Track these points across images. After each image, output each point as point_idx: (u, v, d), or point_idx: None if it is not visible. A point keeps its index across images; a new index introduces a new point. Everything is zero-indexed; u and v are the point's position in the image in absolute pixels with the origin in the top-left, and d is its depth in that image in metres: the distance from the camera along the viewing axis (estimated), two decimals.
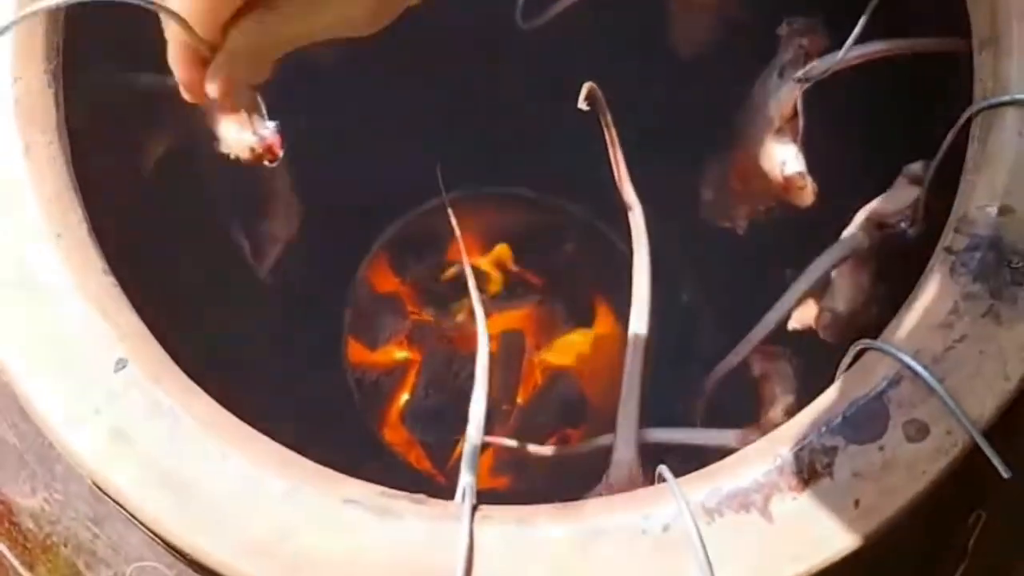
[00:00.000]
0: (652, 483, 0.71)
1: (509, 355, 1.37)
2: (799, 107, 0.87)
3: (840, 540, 0.57)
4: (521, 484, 1.29)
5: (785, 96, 0.88)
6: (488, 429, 0.77)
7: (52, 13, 0.68)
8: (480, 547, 0.57)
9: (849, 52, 0.81)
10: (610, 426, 0.81)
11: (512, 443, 1.02)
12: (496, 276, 1.38)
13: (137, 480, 0.58)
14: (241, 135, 0.79)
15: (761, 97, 0.90)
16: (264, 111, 0.77)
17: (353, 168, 1.31)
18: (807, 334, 0.83)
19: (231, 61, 0.56)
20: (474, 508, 0.58)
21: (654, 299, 0.84)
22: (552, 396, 1.38)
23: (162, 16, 0.54)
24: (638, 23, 1.10)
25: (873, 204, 0.79)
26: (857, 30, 0.77)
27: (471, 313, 1.31)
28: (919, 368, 0.59)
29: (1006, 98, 0.65)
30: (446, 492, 0.62)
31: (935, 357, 0.59)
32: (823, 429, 0.59)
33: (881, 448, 0.58)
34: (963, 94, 0.71)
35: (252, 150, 0.79)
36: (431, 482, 1.29)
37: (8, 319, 0.61)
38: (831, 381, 0.64)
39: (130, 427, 0.58)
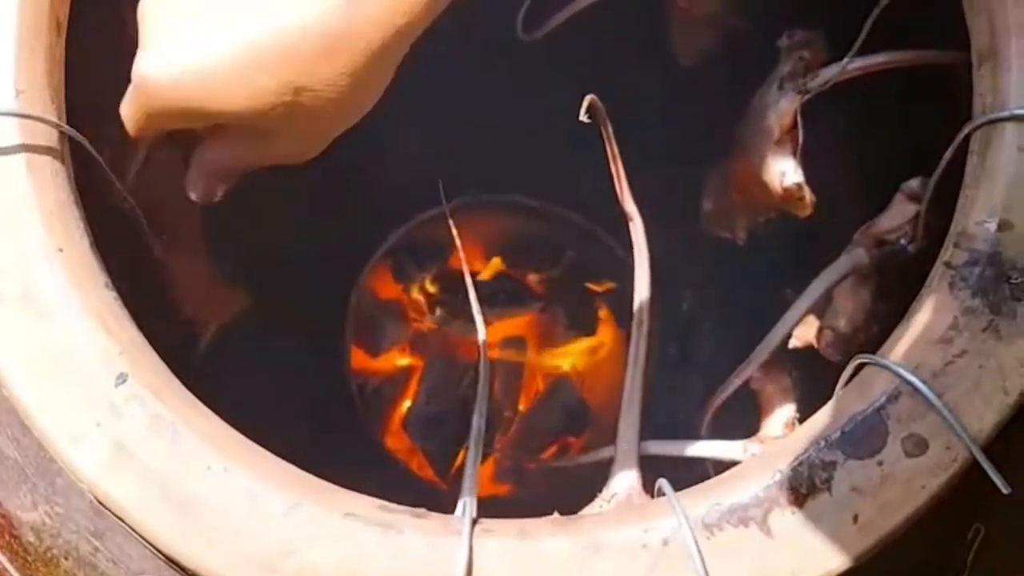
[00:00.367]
0: (652, 494, 0.72)
1: (511, 362, 1.37)
2: (799, 119, 0.88)
3: (839, 555, 0.57)
4: (523, 491, 1.29)
5: (785, 107, 0.88)
6: (490, 436, 0.77)
7: (55, 28, 0.68)
8: (480, 562, 0.57)
9: (849, 64, 0.81)
10: (611, 434, 0.81)
11: (514, 454, 1.02)
12: (497, 283, 1.39)
13: (138, 494, 0.58)
14: None
15: (761, 108, 0.90)
16: None
17: (355, 176, 1.32)
18: (809, 351, 0.84)
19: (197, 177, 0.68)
20: (474, 522, 0.58)
21: (655, 309, 0.84)
22: (554, 403, 1.38)
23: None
24: (638, 34, 1.11)
25: (872, 222, 0.79)
26: (858, 42, 0.78)
27: (472, 320, 1.31)
28: (918, 383, 0.59)
29: (1005, 113, 0.65)
30: (448, 500, 0.62)
31: (934, 372, 0.60)
32: (822, 444, 0.59)
33: (880, 463, 0.58)
34: (963, 106, 0.71)
35: None
36: (433, 490, 1.29)
37: (9, 333, 0.61)
38: (830, 394, 0.64)
39: (131, 441, 0.59)
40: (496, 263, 1.39)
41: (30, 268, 0.62)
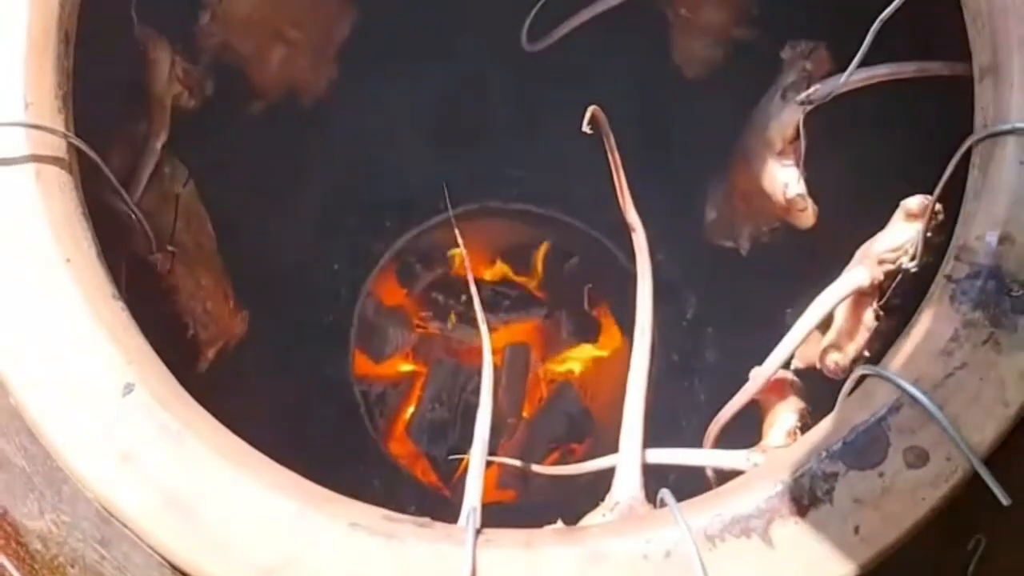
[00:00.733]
0: (654, 502, 0.72)
1: (515, 369, 1.37)
2: (801, 130, 0.88)
3: (840, 566, 0.57)
4: (526, 497, 1.30)
5: (787, 119, 0.88)
6: (494, 443, 0.77)
7: (63, 40, 0.68)
8: (483, 571, 0.57)
9: (852, 75, 0.81)
10: (615, 440, 0.82)
11: (516, 463, 1.02)
12: (500, 289, 1.39)
13: (144, 503, 0.58)
14: None
15: (763, 119, 0.90)
16: None
17: (361, 183, 1.32)
18: (812, 370, 0.84)
19: None
20: (477, 532, 0.58)
21: (659, 317, 0.84)
22: (557, 410, 1.38)
23: None
24: (642, 45, 1.11)
25: (872, 242, 0.79)
26: (860, 54, 0.78)
27: (476, 326, 1.32)
28: (919, 395, 0.59)
29: (1007, 127, 0.65)
30: (451, 506, 0.62)
31: (935, 384, 0.60)
32: (824, 455, 0.59)
33: (881, 474, 0.58)
34: (964, 117, 0.71)
35: None
36: (437, 495, 1.29)
37: (17, 342, 0.61)
38: (832, 405, 0.65)
39: (138, 450, 0.59)
40: (500, 270, 1.39)
41: (38, 278, 0.62)
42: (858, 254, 0.80)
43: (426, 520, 0.60)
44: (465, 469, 1.27)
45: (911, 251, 0.76)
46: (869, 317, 0.79)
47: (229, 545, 0.57)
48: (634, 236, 0.85)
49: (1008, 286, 0.61)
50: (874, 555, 0.57)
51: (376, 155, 1.32)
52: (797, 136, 0.88)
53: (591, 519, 0.76)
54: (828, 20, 0.90)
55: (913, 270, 0.76)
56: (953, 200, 0.68)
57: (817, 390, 0.83)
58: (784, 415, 0.83)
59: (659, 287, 0.85)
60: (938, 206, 0.72)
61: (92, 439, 0.59)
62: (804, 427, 0.81)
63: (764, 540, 0.58)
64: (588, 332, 1.40)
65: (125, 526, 0.59)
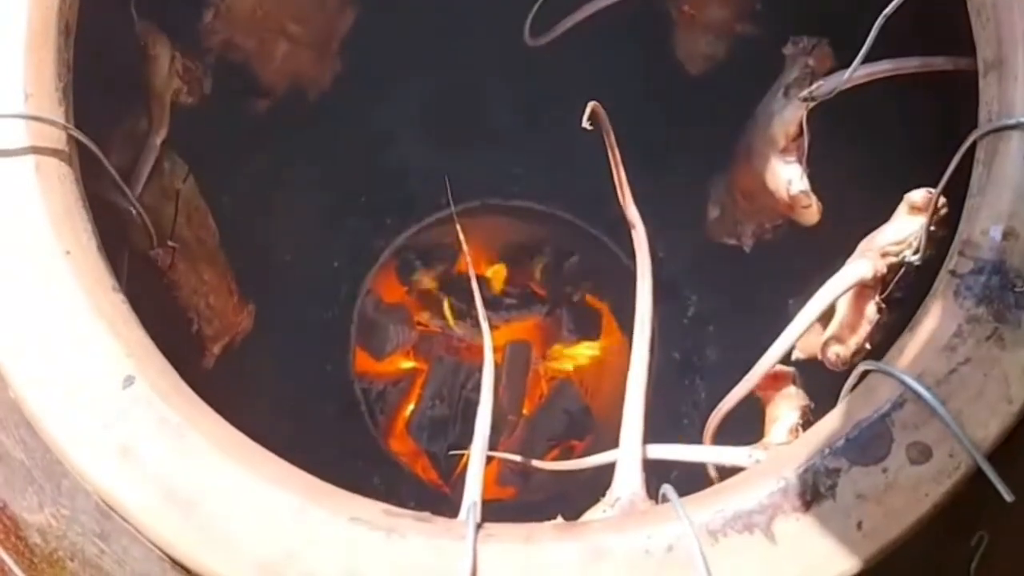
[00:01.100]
0: (655, 498, 0.72)
1: (515, 366, 1.37)
2: (804, 126, 0.88)
3: (843, 562, 0.57)
4: (526, 494, 1.30)
5: (790, 115, 0.88)
6: (494, 440, 0.77)
7: (64, 31, 0.68)
8: (484, 566, 0.57)
9: (855, 71, 0.81)
10: (615, 437, 0.81)
11: (517, 458, 1.02)
12: (502, 287, 1.39)
13: (144, 497, 0.58)
14: None
15: (766, 116, 0.90)
16: None
17: (362, 180, 1.32)
18: (813, 363, 0.83)
19: None
20: (478, 526, 0.58)
21: (660, 314, 0.84)
22: (557, 407, 1.38)
23: None
24: (644, 41, 1.11)
25: (876, 234, 0.79)
26: (863, 50, 0.77)
27: (477, 324, 1.32)
28: (922, 390, 0.59)
29: (1011, 121, 0.65)
30: (451, 503, 0.62)
31: (938, 379, 0.60)
32: (827, 451, 0.59)
33: (884, 470, 0.58)
34: (968, 113, 0.71)
35: None
36: (436, 493, 1.29)
37: (17, 335, 0.61)
38: (835, 401, 0.65)
39: (138, 444, 0.59)
40: (501, 267, 1.39)
41: (38, 270, 0.62)
42: (861, 246, 0.80)
43: (426, 515, 0.60)
44: (465, 466, 1.27)
45: (915, 244, 0.75)
46: (871, 310, 0.79)
47: (229, 539, 0.57)
48: (634, 233, 0.85)
49: (1012, 281, 0.61)
50: (877, 551, 0.57)
51: (376, 152, 1.32)
52: (800, 133, 0.88)
53: (592, 515, 0.75)
54: (831, 16, 0.90)
55: (916, 263, 0.76)
56: (957, 195, 0.68)
57: (818, 382, 0.83)
58: (786, 412, 0.83)
59: (660, 285, 0.85)
60: (942, 200, 0.72)
61: (92, 432, 0.59)
62: (806, 424, 0.81)
63: (766, 536, 0.57)
64: (588, 329, 1.40)
65: (125, 520, 0.59)
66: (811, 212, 0.90)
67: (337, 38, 1.11)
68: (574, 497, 0.83)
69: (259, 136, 1.13)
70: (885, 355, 0.63)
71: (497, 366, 0.94)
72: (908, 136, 0.92)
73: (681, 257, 1.27)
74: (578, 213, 1.36)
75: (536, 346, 1.40)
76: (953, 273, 0.63)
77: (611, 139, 0.81)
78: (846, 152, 0.94)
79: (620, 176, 0.84)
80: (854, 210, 0.85)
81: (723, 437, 0.84)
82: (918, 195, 0.76)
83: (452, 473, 1.32)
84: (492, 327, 0.87)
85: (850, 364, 0.81)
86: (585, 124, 0.77)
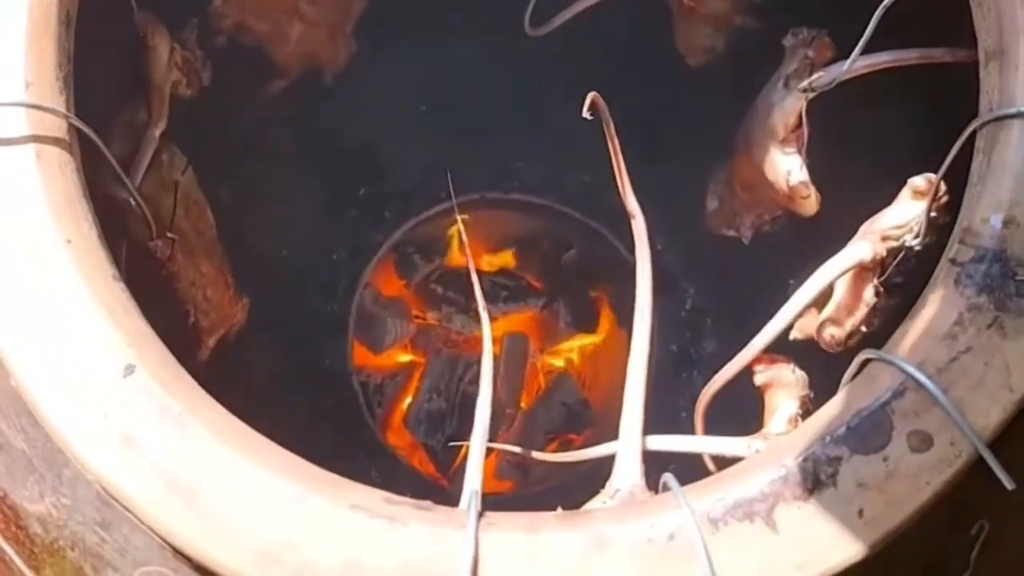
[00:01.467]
0: (655, 489, 0.72)
1: (513, 359, 1.37)
2: (804, 117, 0.88)
3: (844, 549, 0.57)
4: (524, 487, 1.30)
5: (790, 106, 0.88)
6: (492, 433, 0.77)
7: (64, 20, 0.68)
8: (485, 555, 0.57)
9: (855, 63, 0.81)
10: (613, 431, 0.81)
11: (516, 449, 1.02)
12: (499, 280, 1.39)
13: (145, 485, 0.58)
14: None
15: (766, 107, 0.90)
16: None
17: (360, 173, 1.32)
18: (810, 344, 0.84)
19: None
20: (480, 515, 0.58)
21: (658, 306, 0.84)
22: (555, 400, 1.38)
23: None
24: (644, 32, 1.11)
25: (877, 217, 0.79)
26: (863, 41, 0.77)
27: (475, 317, 1.32)
28: (923, 379, 0.59)
29: (1012, 111, 0.65)
30: (449, 496, 0.62)
31: (939, 368, 0.60)
32: (827, 439, 0.59)
33: (885, 458, 0.58)
34: (968, 104, 0.71)
35: None
36: (434, 486, 1.29)
37: (18, 324, 0.61)
38: (834, 390, 0.65)
39: (139, 432, 0.59)
40: (499, 260, 1.40)
41: (39, 259, 0.62)
42: (862, 229, 0.80)
43: (427, 503, 0.60)
44: (462, 459, 1.27)
45: (915, 229, 0.76)
46: (869, 293, 0.79)
47: (230, 527, 0.57)
48: (633, 223, 0.85)
49: (1013, 270, 0.61)
50: (878, 539, 0.57)
51: (375, 146, 1.32)
52: (800, 124, 0.88)
53: (592, 506, 0.76)
54: (830, 7, 0.90)
55: (916, 248, 0.76)
56: (958, 183, 0.68)
57: (817, 370, 0.83)
58: (785, 402, 0.83)
59: (657, 278, 0.85)
60: (942, 187, 0.72)
61: (93, 421, 0.59)
62: (805, 414, 0.81)
63: (768, 524, 0.57)
64: (586, 323, 1.40)
65: (126, 509, 0.59)
66: (810, 203, 0.90)
67: (352, 18, 1.11)
68: (572, 491, 0.83)
69: (257, 129, 1.13)
70: (886, 343, 0.63)
71: (495, 359, 0.94)
72: (907, 128, 0.92)
73: (679, 249, 1.27)
74: (576, 206, 1.36)
75: (534, 339, 1.40)
76: (954, 261, 0.63)
77: (611, 129, 0.81)
78: (845, 143, 0.94)
79: (620, 166, 0.84)
80: (853, 202, 0.85)
81: (722, 428, 0.84)
82: (920, 180, 0.76)
83: (450, 466, 1.32)
84: (490, 319, 0.87)
85: (845, 346, 0.81)
86: (585, 114, 0.77)
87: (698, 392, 0.90)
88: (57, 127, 0.66)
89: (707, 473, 0.80)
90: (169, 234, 0.88)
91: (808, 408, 0.82)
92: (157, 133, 0.88)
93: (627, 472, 0.78)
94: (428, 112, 1.30)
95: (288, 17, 1.05)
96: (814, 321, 0.83)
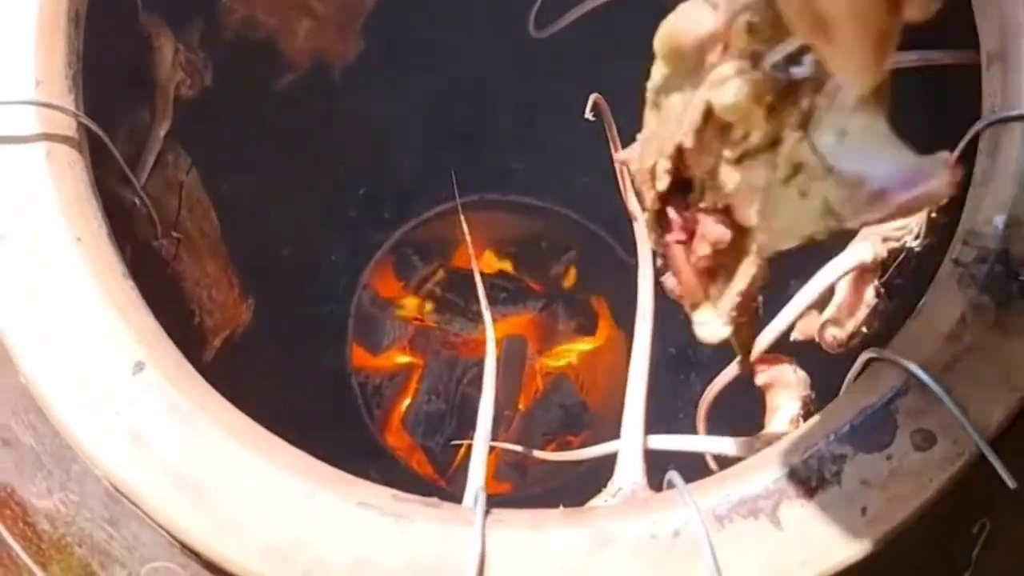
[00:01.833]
0: (656, 489, 0.72)
1: (511, 361, 1.37)
2: None
3: (848, 547, 0.57)
4: (523, 488, 1.30)
5: None
6: (491, 435, 0.77)
7: (74, 19, 0.68)
8: (493, 551, 0.57)
9: None
10: (611, 433, 0.82)
11: (520, 448, 1.02)
12: (498, 281, 1.39)
13: (154, 482, 0.58)
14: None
15: None
16: None
17: (359, 174, 1.32)
18: (811, 344, 0.84)
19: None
20: (486, 512, 0.59)
21: (658, 306, 0.84)
22: (553, 402, 1.39)
23: None
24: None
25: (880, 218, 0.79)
26: None
27: (473, 319, 1.32)
28: (927, 378, 0.59)
29: (1015, 113, 0.65)
30: (448, 497, 0.62)
31: (943, 367, 0.60)
32: (831, 437, 0.60)
33: (889, 457, 0.59)
34: (969, 106, 0.71)
35: None
36: (433, 487, 1.29)
37: (27, 322, 0.61)
38: (836, 390, 0.65)
39: (148, 429, 0.59)
40: (498, 262, 1.40)
41: (48, 257, 0.63)
42: (863, 230, 0.80)
43: (434, 500, 0.60)
44: (461, 460, 1.28)
45: (916, 229, 0.76)
46: (870, 294, 0.79)
47: (239, 524, 0.57)
48: (636, 225, 0.85)
49: (1016, 270, 0.62)
50: (881, 536, 0.57)
51: (374, 147, 1.32)
52: None
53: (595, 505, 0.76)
54: None
55: (916, 249, 0.76)
56: (961, 182, 0.68)
57: (819, 372, 0.83)
58: (787, 402, 0.83)
59: (656, 279, 0.85)
60: None
61: (102, 418, 0.59)
62: (807, 414, 0.81)
63: (772, 521, 0.58)
64: (585, 325, 1.40)
65: (134, 505, 0.59)
66: None
67: (361, 14, 1.11)
68: (570, 492, 0.83)
69: (257, 129, 1.13)
70: (888, 343, 0.64)
71: (492, 362, 0.95)
72: (907, 128, 0.92)
73: None
74: (576, 208, 1.36)
75: (532, 341, 1.41)
76: (956, 262, 0.63)
77: (613, 131, 0.82)
78: None
79: (622, 168, 0.84)
80: None
81: (724, 429, 0.85)
82: None
83: (448, 467, 1.32)
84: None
85: (846, 347, 0.81)
86: (588, 115, 0.77)
87: (696, 394, 0.90)
88: (67, 125, 0.66)
89: (708, 473, 0.81)
90: (174, 234, 0.88)
91: (810, 408, 0.82)
92: (162, 133, 0.88)
93: (629, 471, 0.78)
94: (428, 113, 1.31)
95: (297, 12, 1.05)
96: (815, 322, 0.83)
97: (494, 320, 1.30)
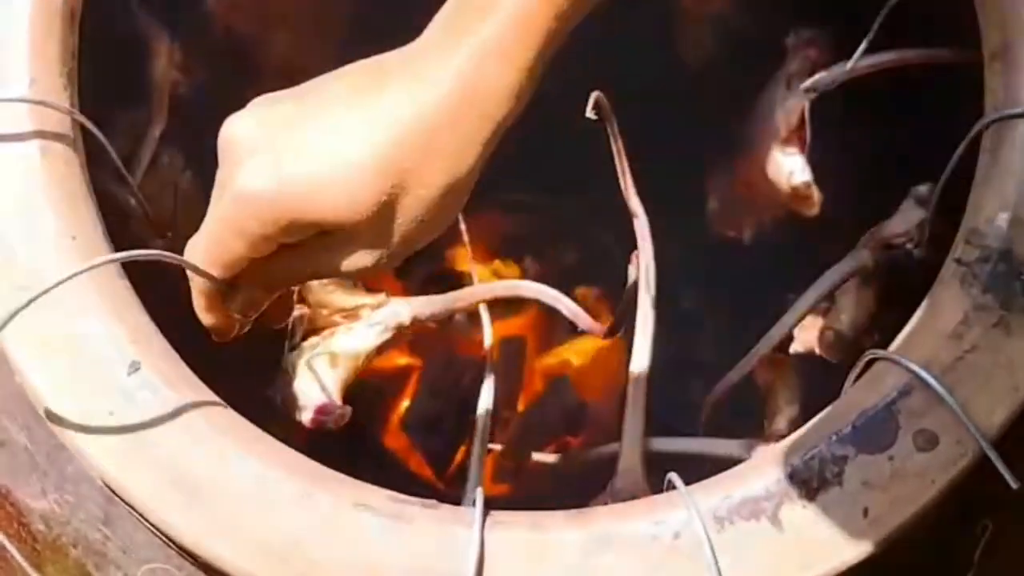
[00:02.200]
0: (655, 491, 0.72)
1: (510, 362, 1.37)
2: (806, 117, 0.88)
3: (849, 549, 0.57)
4: (521, 491, 1.29)
5: (792, 106, 0.88)
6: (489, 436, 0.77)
7: (69, 17, 0.68)
8: (491, 553, 0.57)
9: (857, 63, 0.81)
10: (610, 434, 0.81)
11: (517, 448, 1.02)
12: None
13: (150, 483, 0.58)
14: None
15: (768, 107, 0.90)
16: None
17: None
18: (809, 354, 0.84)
19: (249, 292, 0.63)
20: (485, 513, 0.58)
21: (658, 307, 0.84)
22: (552, 403, 1.38)
23: (186, 269, 0.60)
24: (646, 32, 1.11)
25: (880, 225, 0.79)
26: (866, 41, 0.78)
27: (472, 320, 1.31)
28: (929, 378, 0.59)
29: (1017, 110, 0.65)
30: (447, 499, 0.62)
31: (945, 367, 0.60)
32: (833, 438, 0.59)
33: (891, 458, 0.58)
34: (972, 104, 0.71)
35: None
36: (431, 489, 1.29)
37: (22, 321, 0.61)
38: (837, 392, 0.65)
39: (143, 429, 0.59)
40: (495, 261, 1.39)
41: (43, 255, 0.62)
42: (864, 238, 0.80)
43: (432, 502, 0.60)
44: (459, 462, 1.27)
45: (916, 237, 0.76)
46: (870, 301, 0.79)
47: (235, 525, 0.57)
48: (636, 222, 0.85)
49: (1019, 269, 0.61)
50: (883, 538, 0.57)
51: None
52: (802, 124, 0.88)
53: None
54: (833, 7, 0.90)
55: (917, 256, 0.76)
56: (961, 189, 0.68)
57: (818, 379, 0.83)
58: (788, 405, 0.83)
59: (659, 276, 0.85)
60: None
61: (97, 418, 0.59)
62: (807, 417, 0.81)
63: (773, 522, 0.57)
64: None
65: (129, 506, 0.59)
66: (811, 203, 0.90)
67: (338, 25, 1.11)
68: (569, 494, 0.82)
69: None
70: (891, 343, 0.63)
71: (492, 362, 0.94)
72: (910, 127, 0.92)
73: (677, 252, 1.27)
74: (575, 208, 1.35)
75: (531, 342, 1.40)
76: (959, 261, 0.63)
77: (614, 129, 0.81)
78: (847, 143, 0.94)
79: (623, 165, 0.84)
80: (855, 201, 0.85)
81: (724, 431, 0.84)
82: (924, 188, 0.76)
83: (446, 469, 1.32)
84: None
85: (846, 354, 0.81)
86: (589, 113, 0.77)
87: (696, 396, 0.90)
88: (62, 123, 0.66)
89: (708, 475, 0.80)
90: (169, 234, 0.88)
91: (811, 411, 0.81)
92: (157, 133, 0.88)
93: (629, 472, 0.78)
94: None
95: (273, 23, 1.04)
96: (815, 333, 0.83)
97: (493, 321, 1.31)
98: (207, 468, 0.58)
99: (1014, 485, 0.58)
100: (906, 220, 0.77)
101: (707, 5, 1.04)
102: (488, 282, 1.35)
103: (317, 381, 0.81)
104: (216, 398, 0.62)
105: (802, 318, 0.81)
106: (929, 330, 0.62)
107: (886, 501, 0.58)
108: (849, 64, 0.82)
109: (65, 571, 0.63)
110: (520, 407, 1.37)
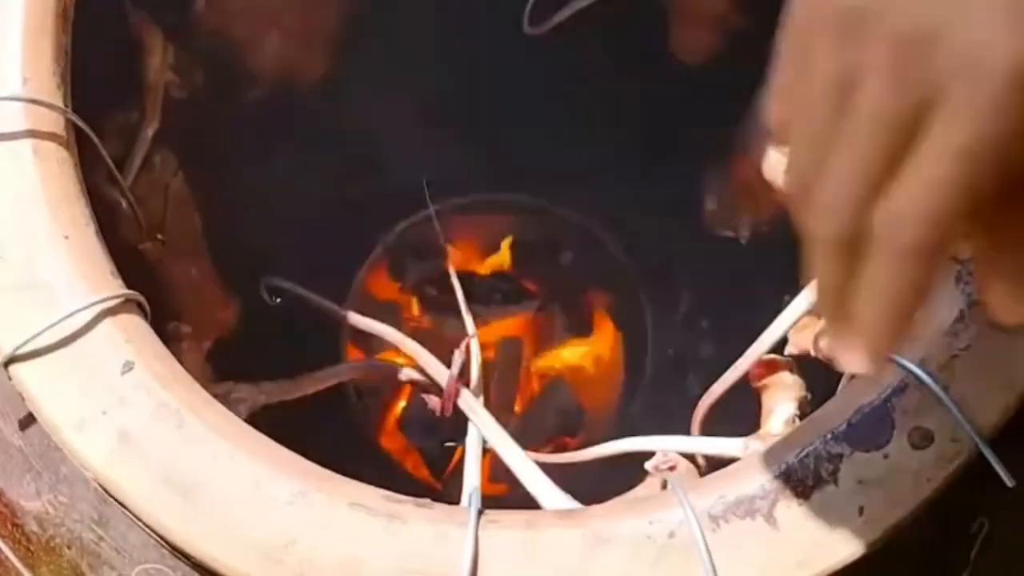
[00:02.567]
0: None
1: (507, 363, 1.37)
2: None
3: (845, 547, 0.57)
4: (517, 490, 1.29)
5: None
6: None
7: (62, 16, 0.68)
8: (486, 552, 0.57)
9: None
10: (607, 435, 0.81)
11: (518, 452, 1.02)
12: (493, 282, 1.38)
13: (143, 483, 0.58)
14: None
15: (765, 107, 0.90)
16: None
17: (352, 174, 1.32)
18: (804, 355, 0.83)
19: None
20: (480, 513, 0.58)
21: (653, 311, 0.84)
22: (549, 405, 1.38)
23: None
24: (642, 31, 1.11)
25: None
26: None
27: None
28: (924, 376, 0.59)
29: None
30: (443, 500, 0.62)
31: (941, 365, 0.60)
32: (828, 436, 0.59)
33: (886, 456, 0.58)
34: None
35: None
36: (428, 490, 1.29)
37: (15, 321, 0.61)
38: (832, 391, 0.64)
39: (137, 429, 0.59)
40: (493, 263, 1.39)
41: (36, 255, 0.62)
42: None
43: (427, 501, 0.60)
44: (456, 463, 1.27)
45: None
46: None
47: (228, 525, 0.57)
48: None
49: None
50: (878, 536, 0.57)
51: (367, 148, 1.32)
52: None
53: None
54: None
55: None
56: None
57: (814, 378, 0.83)
58: (783, 403, 0.83)
59: (653, 280, 0.85)
60: None
61: (90, 418, 0.59)
62: (803, 415, 0.81)
63: (768, 521, 0.57)
64: (581, 327, 1.39)
65: (123, 506, 0.58)
66: None
67: (331, 28, 1.11)
68: (569, 493, 0.82)
69: (249, 132, 1.13)
70: None
71: (488, 363, 0.94)
72: None
73: (676, 251, 1.27)
74: (573, 209, 1.35)
75: (528, 343, 1.40)
76: (955, 259, 0.63)
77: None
78: None
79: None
80: None
81: (719, 429, 0.84)
82: None
83: (444, 469, 1.32)
84: (484, 323, 0.87)
85: None
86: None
87: (694, 395, 0.90)
88: (54, 122, 0.66)
89: (701, 474, 0.80)
90: (159, 236, 0.88)
91: (806, 410, 0.81)
92: (150, 134, 0.88)
93: None
94: (424, 113, 1.30)
95: (265, 26, 1.04)
96: (810, 335, 0.83)
97: (489, 322, 1.31)
98: (201, 468, 0.58)
99: (1010, 483, 0.57)
100: None
101: (704, 4, 1.04)
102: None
103: None
104: (210, 397, 0.62)
105: (797, 320, 0.81)
106: (925, 327, 0.61)
107: (881, 499, 0.57)
108: None
109: (59, 572, 0.63)
110: (518, 408, 1.37)
